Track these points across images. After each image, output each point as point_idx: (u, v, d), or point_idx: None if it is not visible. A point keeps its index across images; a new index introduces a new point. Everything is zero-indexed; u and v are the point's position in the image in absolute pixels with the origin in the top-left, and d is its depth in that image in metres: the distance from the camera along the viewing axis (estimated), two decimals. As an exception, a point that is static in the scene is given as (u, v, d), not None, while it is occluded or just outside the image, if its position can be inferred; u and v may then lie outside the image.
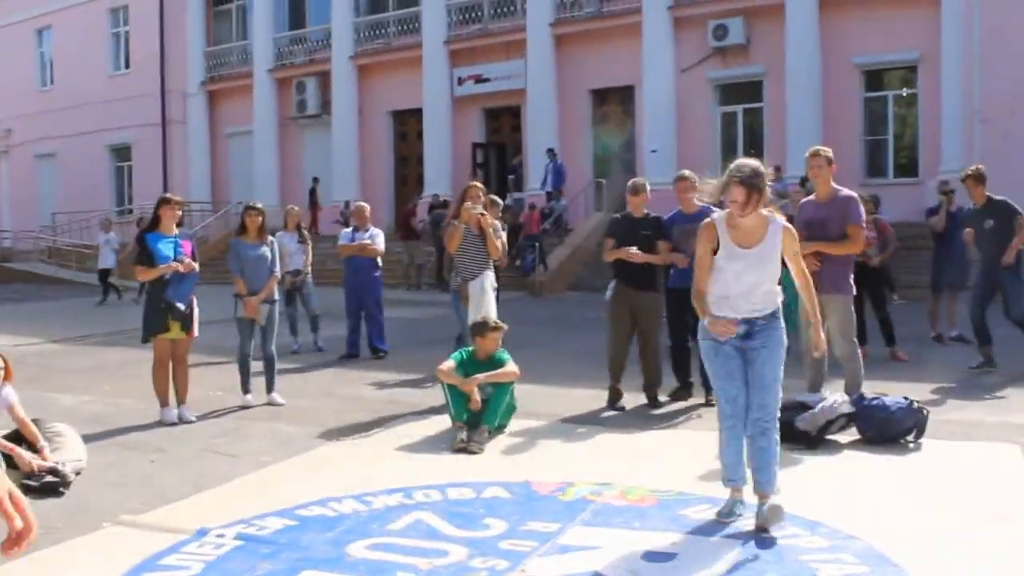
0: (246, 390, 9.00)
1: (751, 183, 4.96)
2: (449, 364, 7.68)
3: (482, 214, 9.15)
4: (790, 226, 5.29)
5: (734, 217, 5.12)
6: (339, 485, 5.99)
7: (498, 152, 27.41)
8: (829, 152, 7.73)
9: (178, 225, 8.48)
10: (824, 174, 7.64)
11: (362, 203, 12.52)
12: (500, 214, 10.36)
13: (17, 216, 35.53)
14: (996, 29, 18.86)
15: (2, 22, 35.99)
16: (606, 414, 8.30)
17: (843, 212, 7.52)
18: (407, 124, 28.82)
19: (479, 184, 9.75)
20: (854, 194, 7.79)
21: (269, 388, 9.13)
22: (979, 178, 9.86)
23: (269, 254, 9.08)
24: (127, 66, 33.45)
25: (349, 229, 12.16)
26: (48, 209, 33.92)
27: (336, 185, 28.31)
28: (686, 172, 8.67)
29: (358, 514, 5.39)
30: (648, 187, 8.92)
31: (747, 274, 5.13)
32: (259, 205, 9.33)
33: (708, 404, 8.24)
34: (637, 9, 23.58)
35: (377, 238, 11.77)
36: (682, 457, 6.74)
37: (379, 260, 11.87)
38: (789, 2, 21.54)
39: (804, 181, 18.61)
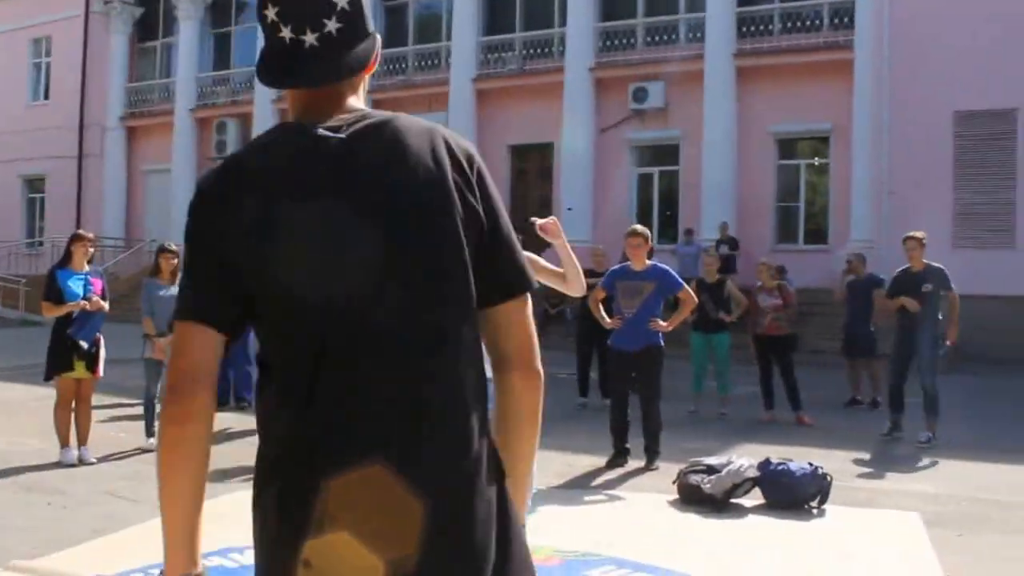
0: (150, 433, 8.81)
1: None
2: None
3: None
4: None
5: None
6: (241, 535, 5.87)
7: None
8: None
9: (89, 262, 8.35)
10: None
11: None
12: None
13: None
14: (905, 104, 19.47)
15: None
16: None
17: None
18: (327, 170, 28.72)
19: None
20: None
21: (174, 432, 8.94)
22: (923, 243, 9.94)
23: (180, 296, 8.96)
24: (46, 97, 32.89)
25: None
26: (-45, 237, 33.03)
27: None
28: (639, 227, 8.78)
29: (261, 566, 5.30)
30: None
31: None
32: (174, 247, 9.20)
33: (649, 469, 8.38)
34: (559, 68, 23.89)
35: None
36: (589, 518, 6.76)
37: None
38: (708, 70, 21.99)
39: (719, 245, 19.01)
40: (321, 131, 1.73)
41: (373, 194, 1.70)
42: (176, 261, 9.01)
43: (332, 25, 1.75)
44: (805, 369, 11.90)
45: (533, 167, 25.47)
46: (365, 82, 1.89)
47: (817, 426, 10.72)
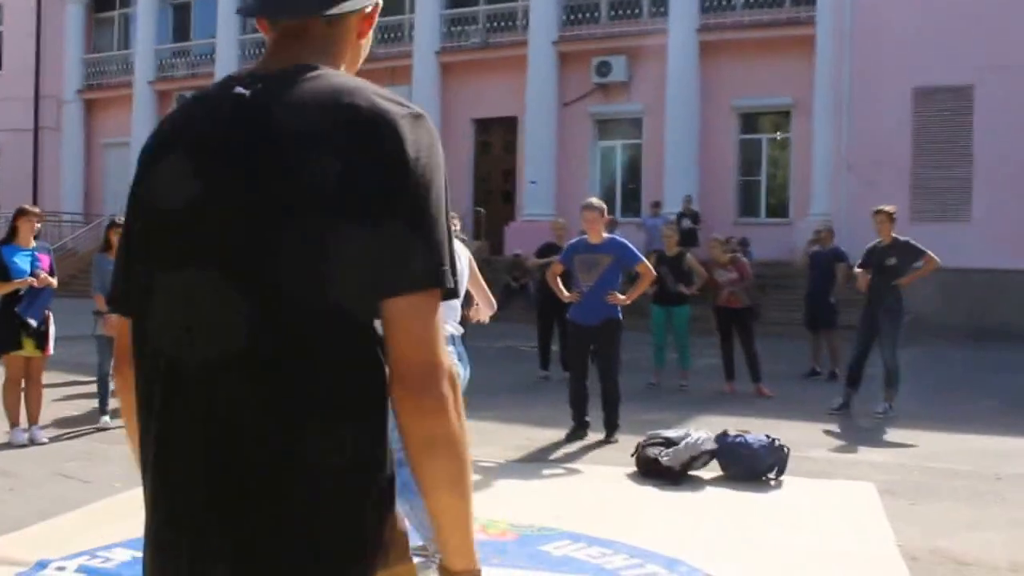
0: (104, 411, 8.69)
1: None
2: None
3: None
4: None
5: None
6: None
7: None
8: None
9: (36, 237, 8.18)
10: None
11: None
12: None
13: None
14: (865, 80, 19.56)
15: None
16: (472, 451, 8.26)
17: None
18: (288, 144, 28.46)
19: None
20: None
21: (128, 409, 8.83)
22: (892, 217, 9.88)
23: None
24: (-1, 68, 32.32)
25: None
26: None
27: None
28: (595, 201, 8.70)
29: (212, 544, 5.23)
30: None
31: None
32: (125, 221, 9.02)
33: (608, 442, 8.34)
34: (523, 42, 23.80)
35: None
36: (546, 491, 6.74)
37: None
38: (671, 44, 21.99)
39: (681, 218, 19.02)
40: (237, 87, 1.52)
41: (243, 162, 1.45)
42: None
43: None
44: (765, 340, 11.94)
45: (497, 141, 25.39)
46: (354, 53, 1.74)
47: (776, 397, 10.77)
